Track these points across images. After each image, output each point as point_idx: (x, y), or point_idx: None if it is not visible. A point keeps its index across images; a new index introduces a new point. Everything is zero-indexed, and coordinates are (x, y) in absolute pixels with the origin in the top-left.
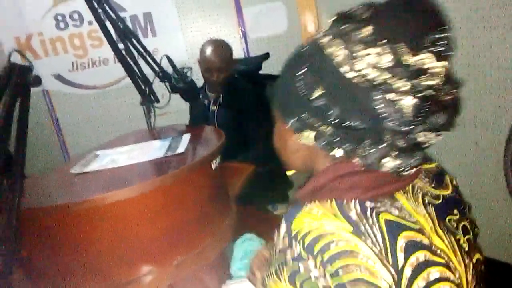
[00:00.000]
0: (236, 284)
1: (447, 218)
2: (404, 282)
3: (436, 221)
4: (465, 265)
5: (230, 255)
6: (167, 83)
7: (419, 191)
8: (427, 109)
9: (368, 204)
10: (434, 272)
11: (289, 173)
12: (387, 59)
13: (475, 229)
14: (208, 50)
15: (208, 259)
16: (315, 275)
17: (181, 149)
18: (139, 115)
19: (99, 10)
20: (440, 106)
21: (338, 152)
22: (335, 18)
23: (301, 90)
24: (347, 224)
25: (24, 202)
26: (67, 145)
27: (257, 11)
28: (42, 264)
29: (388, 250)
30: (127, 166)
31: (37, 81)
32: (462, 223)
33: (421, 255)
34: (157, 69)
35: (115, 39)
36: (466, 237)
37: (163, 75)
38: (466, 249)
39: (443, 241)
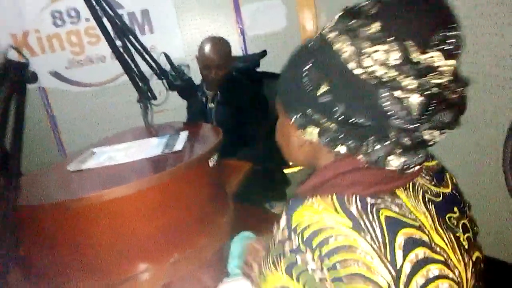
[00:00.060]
0: (233, 282)
1: (447, 216)
2: (403, 278)
3: (436, 219)
4: (465, 263)
5: (227, 253)
6: (164, 81)
7: (419, 188)
8: (433, 107)
9: (369, 200)
10: (433, 270)
11: (286, 171)
12: (395, 57)
13: (475, 228)
14: (207, 47)
15: (205, 257)
16: (312, 268)
17: (178, 146)
18: (136, 112)
19: (97, 7)
20: (446, 105)
21: (342, 149)
22: (342, 13)
23: (306, 86)
24: (347, 219)
25: (20, 199)
26: (64, 143)
27: (255, 9)
28: (38, 261)
29: (387, 247)
30: (124, 163)
31: (34, 77)
32: (462, 221)
33: (420, 252)
34: (154, 66)
35: (112, 36)
36: (466, 235)
37: (160, 73)
38: (466, 247)
39: (442, 239)
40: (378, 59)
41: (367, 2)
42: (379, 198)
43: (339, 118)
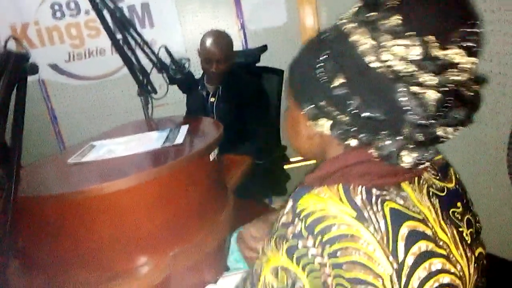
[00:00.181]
0: (233, 276)
1: (450, 211)
2: (406, 270)
3: (439, 213)
4: (467, 258)
5: (227, 247)
6: (164, 74)
7: (424, 182)
8: (449, 104)
9: (374, 191)
10: (436, 263)
11: (286, 166)
12: (416, 52)
13: (478, 224)
14: (209, 41)
15: (205, 251)
16: (312, 253)
17: (179, 140)
18: (136, 106)
19: (97, 0)
20: (461, 102)
21: (353, 142)
22: (360, 4)
23: (321, 77)
24: (351, 209)
25: (20, 191)
26: (63, 136)
27: (255, 3)
28: (37, 253)
29: (390, 238)
30: (124, 156)
31: (34, 69)
32: (466, 216)
33: (423, 245)
34: (154, 60)
35: (112, 29)
36: (469, 230)
37: (160, 66)
38: (469, 242)
39: (445, 233)
40: (398, 53)
41: None
42: (385, 190)
43: (353, 112)
